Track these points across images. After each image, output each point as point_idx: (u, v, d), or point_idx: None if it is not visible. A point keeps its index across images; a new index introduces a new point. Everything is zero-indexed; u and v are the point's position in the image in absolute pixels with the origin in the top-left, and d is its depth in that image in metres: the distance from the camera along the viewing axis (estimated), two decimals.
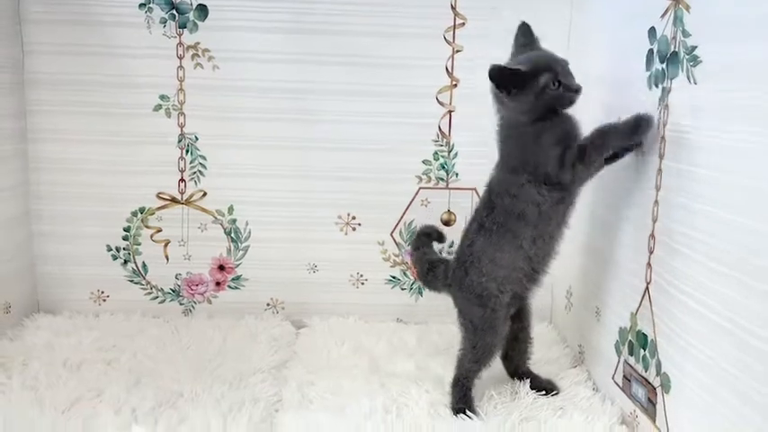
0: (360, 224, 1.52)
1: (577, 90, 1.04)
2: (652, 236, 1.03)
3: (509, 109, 1.07)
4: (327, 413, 1.10)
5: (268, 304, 1.55)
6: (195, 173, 1.49)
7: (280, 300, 1.55)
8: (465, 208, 1.53)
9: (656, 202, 1.02)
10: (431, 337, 1.44)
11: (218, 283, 1.54)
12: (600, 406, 1.15)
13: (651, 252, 1.04)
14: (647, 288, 1.05)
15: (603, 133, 1.04)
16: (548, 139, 1.04)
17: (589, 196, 1.21)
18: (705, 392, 0.88)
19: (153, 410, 1.08)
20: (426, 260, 1.24)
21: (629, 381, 1.11)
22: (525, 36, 1.10)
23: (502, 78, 1.02)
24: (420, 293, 1.55)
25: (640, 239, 1.06)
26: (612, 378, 1.18)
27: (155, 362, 1.27)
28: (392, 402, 1.14)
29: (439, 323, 1.52)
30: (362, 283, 1.55)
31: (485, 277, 1.11)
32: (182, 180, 1.49)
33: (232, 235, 1.52)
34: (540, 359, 1.33)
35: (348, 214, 1.52)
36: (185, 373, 1.22)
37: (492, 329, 1.13)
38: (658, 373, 1.01)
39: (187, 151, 1.48)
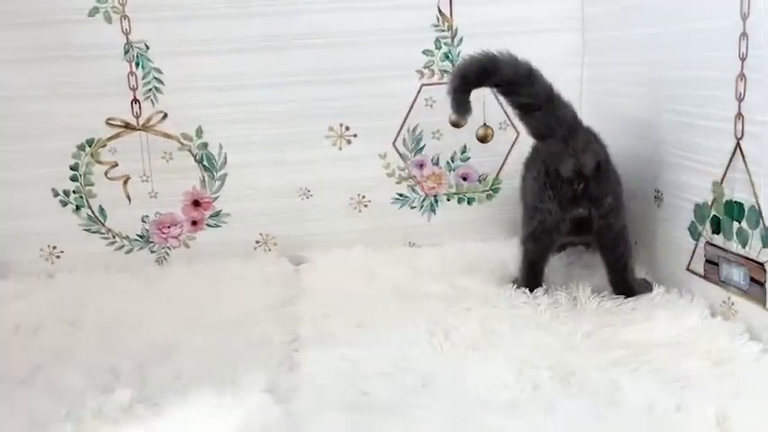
0: (355, 135, 1.29)
1: None
2: (741, 76, 0.83)
3: None
4: (359, 345, 0.88)
5: (257, 242, 1.31)
6: (150, 90, 1.22)
7: (270, 235, 1.31)
8: (475, 105, 1.29)
9: (744, 33, 0.82)
10: (456, 258, 1.22)
11: (194, 223, 1.29)
12: (681, 301, 0.96)
13: (741, 99, 0.84)
14: (738, 145, 0.85)
15: None
16: None
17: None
18: None
19: (139, 368, 0.85)
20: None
21: (716, 264, 0.92)
22: None
23: None
24: (433, 211, 1.34)
25: (723, 87, 0.86)
26: (687, 268, 0.99)
27: (128, 317, 1.03)
28: (435, 324, 0.93)
29: (459, 242, 1.31)
30: (365, 206, 1.32)
31: None
32: (135, 101, 1.22)
33: (204, 162, 1.27)
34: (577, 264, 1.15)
35: (341, 125, 1.28)
36: (171, 325, 0.98)
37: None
38: (766, 244, 0.81)
39: (137, 64, 1.21)
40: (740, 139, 0.85)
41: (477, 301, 1.02)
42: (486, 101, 1.30)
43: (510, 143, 1.32)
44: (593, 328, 0.91)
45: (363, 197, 1.31)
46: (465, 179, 1.33)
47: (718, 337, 0.83)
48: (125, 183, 1.25)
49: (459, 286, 1.09)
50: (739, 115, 0.84)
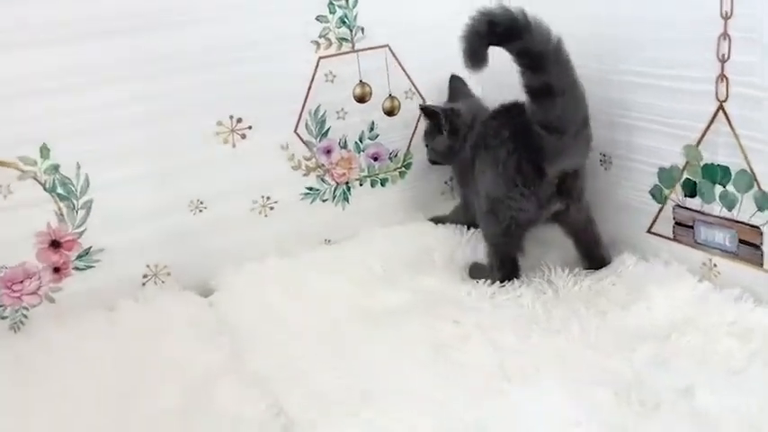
0: (250, 127, 1.06)
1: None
2: (724, 36, 0.79)
3: None
4: (373, 406, 0.72)
5: (145, 276, 1.04)
6: None
7: (160, 265, 1.05)
8: (379, 75, 1.14)
9: None
10: (391, 250, 1.08)
11: (56, 270, 0.98)
12: (657, 267, 0.93)
13: (725, 60, 0.80)
14: (722, 107, 0.82)
15: None
16: None
17: None
18: None
19: None
20: None
21: (691, 227, 0.91)
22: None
23: None
24: (346, 200, 1.17)
25: (701, 48, 0.81)
26: (649, 230, 0.97)
27: (24, 417, 0.75)
28: (434, 352, 0.80)
29: (378, 228, 1.17)
30: (271, 208, 1.11)
31: None
32: None
33: (59, 190, 0.95)
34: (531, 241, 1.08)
35: (231, 117, 1.04)
36: (98, 420, 0.73)
37: None
38: (762, 207, 0.81)
39: None
40: (724, 101, 0.81)
41: (454, 307, 0.90)
42: (389, 69, 1.14)
43: (417, 112, 1.18)
44: (593, 318, 0.85)
45: (268, 198, 1.10)
46: (376, 159, 1.18)
47: (722, 308, 0.82)
48: None
49: (420, 290, 0.97)
50: (722, 77, 0.80)
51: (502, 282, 0.94)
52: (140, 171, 1.00)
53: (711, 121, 0.83)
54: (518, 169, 0.87)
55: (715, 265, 0.89)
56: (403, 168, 1.21)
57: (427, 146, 1.11)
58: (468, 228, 1.11)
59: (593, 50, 0.97)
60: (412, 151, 1.21)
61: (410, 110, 1.18)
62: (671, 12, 0.84)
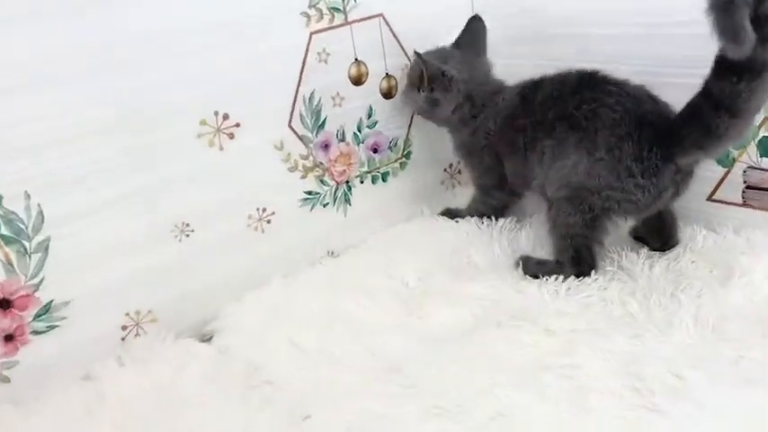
0: (238, 125, 0.85)
1: None
2: None
3: None
4: None
5: (125, 327, 0.81)
6: None
7: (143, 311, 0.82)
8: (374, 51, 0.97)
9: None
10: (416, 255, 0.93)
11: (9, 338, 0.73)
12: (729, 236, 0.85)
13: None
14: None
15: None
16: None
17: None
18: None
19: None
20: None
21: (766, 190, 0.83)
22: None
23: None
24: (348, 202, 0.99)
25: None
26: (710, 198, 0.89)
27: None
28: (540, 369, 0.67)
29: (385, 228, 1.03)
30: (268, 222, 0.91)
31: None
32: None
33: (3, 231, 0.70)
34: None
35: (216, 113, 0.83)
36: None
37: None
38: None
39: None
40: None
41: (531, 313, 0.77)
42: (384, 43, 0.97)
43: None
44: (696, 303, 0.75)
45: (264, 210, 0.90)
46: (375, 151, 1.01)
47: None
48: None
49: (476, 299, 0.82)
50: None
51: (577, 277, 0.81)
52: (109, 194, 0.76)
53: None
54: (637, 157, 0.75)
55: None
56: (404, 158, 1.05)
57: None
58: (496, 219, 0.98)
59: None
60: (411, 137, 1.05)
61: None
62: None
